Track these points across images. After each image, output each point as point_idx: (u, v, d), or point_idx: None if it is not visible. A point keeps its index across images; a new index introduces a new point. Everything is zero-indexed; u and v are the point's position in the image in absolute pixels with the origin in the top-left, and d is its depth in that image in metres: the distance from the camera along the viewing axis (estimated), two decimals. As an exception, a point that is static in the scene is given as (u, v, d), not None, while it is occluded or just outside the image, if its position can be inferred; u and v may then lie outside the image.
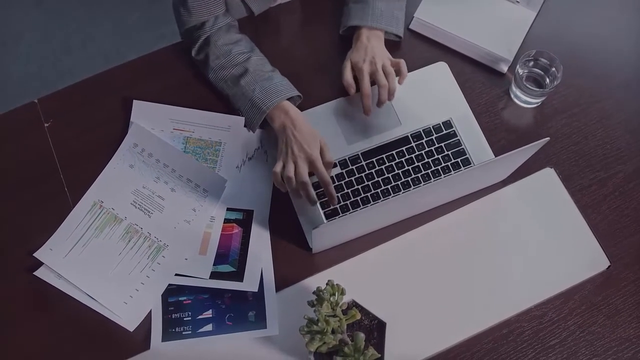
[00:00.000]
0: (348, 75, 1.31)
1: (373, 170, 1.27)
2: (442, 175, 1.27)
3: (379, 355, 1.05)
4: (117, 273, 1.20)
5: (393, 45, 1.38)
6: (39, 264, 1.20)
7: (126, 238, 1.23)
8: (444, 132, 1.30)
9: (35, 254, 1.20)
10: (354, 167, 1.28)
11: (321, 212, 1.25)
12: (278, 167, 1.21)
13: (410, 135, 1.30)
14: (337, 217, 1.24)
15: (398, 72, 1.30)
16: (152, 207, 1.25)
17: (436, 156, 1.29)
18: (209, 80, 1.33)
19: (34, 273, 1.19)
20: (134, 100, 1.32)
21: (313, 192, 1.20)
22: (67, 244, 1.22)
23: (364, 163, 1.28)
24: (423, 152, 1.29)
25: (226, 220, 1.25)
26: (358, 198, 1.26)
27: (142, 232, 1.23)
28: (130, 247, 1.22)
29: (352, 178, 1.27)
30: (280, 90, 1.27)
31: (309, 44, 1.40)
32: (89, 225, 1.23)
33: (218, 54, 1.30)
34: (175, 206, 1.25)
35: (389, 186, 1.26)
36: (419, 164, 1.28)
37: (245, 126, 1.30)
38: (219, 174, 1.27)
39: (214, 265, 1.21)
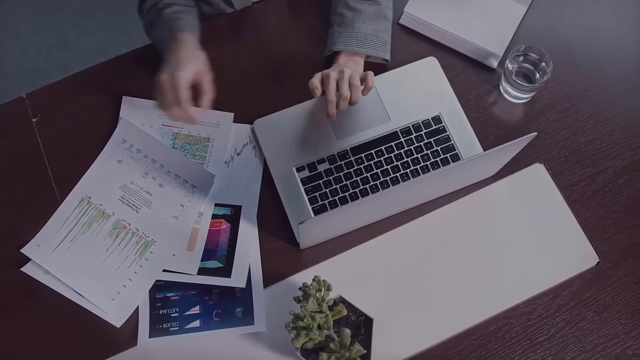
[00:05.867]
0: (315, 79, 1.23)
1: (362, 166, 1.27)
2: (431, 171, 1.27)
3: (365, 351, 1.05)
4: (105, 269, 1.20)
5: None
6: (26, 259, 1.20)
7: (114, 234, 1.22)
8: (433, 127, 1.30)
9: (22, 250, 1.20)
10: (342, 162, 1.27)
11: (309, 207, 1.24)
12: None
13: (400, 130, 1.29)
14: (324, 212, 1.24)
15: (363, 82, 1.25)
16: (140, 202, 1.25)
17: (425, 152, 1.28)
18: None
19: (21, 269, 1.19)
20: (123, 96, 1.32)
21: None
22: (55, 239, 1.21)
23: (352, 159, 1.27)
24: (412, 147, 1.28)
25: (214, 216, 1.24)
26: (347, 194, 1.25)
27: (130, 228, 1.23)
28: (117, 243, 1.22)
29: (341, 174, 1.26)
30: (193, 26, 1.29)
31: (294, 39, 1.39)
32: (77, 221, 1.23)
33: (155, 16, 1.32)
34: (163, 202, 1.25)
35: (377, 182, 1.26)
36: (408, 159, 1.28)
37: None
38: (207, 169, 1.27)
39: (201, 261, 1.21)
